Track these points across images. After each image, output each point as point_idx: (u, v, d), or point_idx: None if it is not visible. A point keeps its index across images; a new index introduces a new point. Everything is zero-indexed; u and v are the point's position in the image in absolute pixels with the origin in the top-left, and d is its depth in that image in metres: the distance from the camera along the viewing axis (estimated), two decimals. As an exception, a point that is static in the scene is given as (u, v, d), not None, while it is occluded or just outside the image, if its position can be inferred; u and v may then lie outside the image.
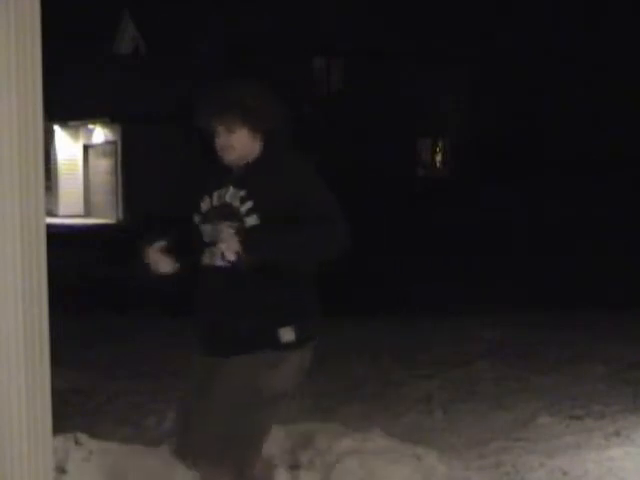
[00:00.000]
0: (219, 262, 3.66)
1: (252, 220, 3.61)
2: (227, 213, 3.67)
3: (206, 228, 3.75)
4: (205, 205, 3.79)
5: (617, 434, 6.04)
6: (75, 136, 31.03)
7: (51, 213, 28.33)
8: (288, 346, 3.62)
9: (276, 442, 5.50)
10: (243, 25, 27.94)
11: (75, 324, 10.22)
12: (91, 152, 31.01)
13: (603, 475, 5.26)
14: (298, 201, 3.58)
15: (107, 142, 29.74)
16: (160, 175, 26.69)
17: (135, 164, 27.99)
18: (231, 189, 3.70)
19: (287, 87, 28.33)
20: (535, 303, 12.85)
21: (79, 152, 31.24)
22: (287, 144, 3.81)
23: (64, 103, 26.09)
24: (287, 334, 3.59)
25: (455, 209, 25.11)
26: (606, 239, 19.89)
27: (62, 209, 30.28)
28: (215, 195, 3.76)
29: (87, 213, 30.55)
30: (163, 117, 26.59)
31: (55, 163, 31.06)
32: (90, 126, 30.17)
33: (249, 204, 3.63)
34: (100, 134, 30.06)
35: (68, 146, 31.18)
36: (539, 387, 7.63)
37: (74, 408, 6.95)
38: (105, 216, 29.03)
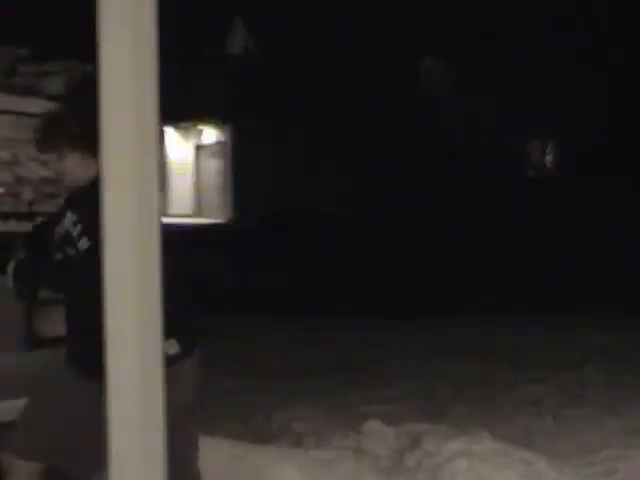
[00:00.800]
0: None
1: (83, 244, 3.43)
2: (67, 240, 3.48)
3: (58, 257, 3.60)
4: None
5: None
6: (186, 137, 31.53)
7: (162, 213, 28.80)
8: (176, 358, 3.52)
9: (385, 442, 5.51)
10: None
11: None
12: (202, 153, 31.47)
13: None
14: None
15: (217, 142, 30.14)
16: (270, 175, 26.95)
17: (245, 164, 28.31)
18: (68, 214, 3.52)
19: (396, 85, 28.29)
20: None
21: (190, 153, 31.73)
22: None
23: (176, 104, 26.46)
24: (172, 347, 3.52)
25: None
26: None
27: (173, 209, 30.81)
28: (63, 221, 3.57)
29: (196, 213, 31.02)
30: (274, 116, 26.79)
31: (166, 164, 31.59)
32: (200, 127, 30.61)
33: (79, 227, 3.45)
34: (211, 135, 30.48)
35: (179, 147, 31.71)
36: (652, 394, 7.45)
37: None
38: (215, 216, 29.42)
